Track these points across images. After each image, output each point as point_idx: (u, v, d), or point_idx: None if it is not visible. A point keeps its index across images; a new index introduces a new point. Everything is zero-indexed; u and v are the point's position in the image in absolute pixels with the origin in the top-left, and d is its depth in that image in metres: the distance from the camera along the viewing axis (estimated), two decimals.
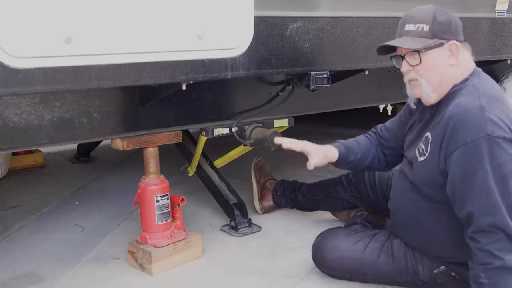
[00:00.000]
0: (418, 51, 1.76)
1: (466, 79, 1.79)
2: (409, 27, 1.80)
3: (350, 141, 2.20)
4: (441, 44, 1.76)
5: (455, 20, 1.80)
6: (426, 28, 1.76)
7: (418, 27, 1.77)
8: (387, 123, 2.21)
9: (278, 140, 2.22)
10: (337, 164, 2.16)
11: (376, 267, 1.97)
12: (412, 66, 1.80)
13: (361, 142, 2.19)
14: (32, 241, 2.46)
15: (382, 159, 2.18)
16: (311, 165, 2.08)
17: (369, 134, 2.23)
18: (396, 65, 1.89)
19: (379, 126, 2.23)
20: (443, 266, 1.88)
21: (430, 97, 1.82)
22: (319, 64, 2.31)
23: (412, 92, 1.87)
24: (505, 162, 1.60)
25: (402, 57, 1.82)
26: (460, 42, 1.79)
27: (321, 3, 2.26)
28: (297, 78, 2.49)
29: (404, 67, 1.82)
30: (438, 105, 1.83)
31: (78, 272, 2.17)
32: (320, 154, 2.10)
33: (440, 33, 1.76)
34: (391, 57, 1.90)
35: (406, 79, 1.86)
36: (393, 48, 1.87)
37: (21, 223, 2.67)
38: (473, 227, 1.63)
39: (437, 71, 1.78)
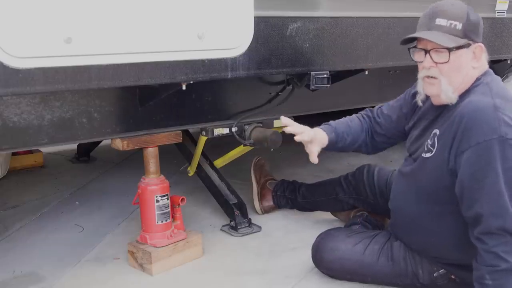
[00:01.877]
0: (449, 50, 1.69)
1: (479, 78, 1.76)
2: (441, 21, 1.72)
3: (342, 123, 2.13)
4: (468, 45, 1.72)
5: (481, 21, 1.76)
6: (459, 26, 1.70)
7: (451, 24, 1.70)
8: (385, 109, 2.14)
9: (284, 120, 2.05)
10: (324, 149, 2.10)
11: (376, 269, 1.97)
12: (436, 63, 1.73)
13: (352, 125, 2.13)
14: (32, 241, 2.46)
15: (369, 145, 2.15)
16: (315, 159, 2.00)
17: (363, 117, 2.17)
18: (413, 58, 1.81)
19: (376, 109, 2.17)
20: (442, 269, 1.88)
21: (450, 98, 1.75)
22: (319, 64, 2.31)
23: (426, 90, 1.80)
24: None
25: (426, 52, 1.74)
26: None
27: (321, 3, 2.26)
28: (297, 78, 2.49)
29: (427, 63, 1.74)
30: None
31: (78, 272, 2.17)
32: (318, 143, 2.04)
33: (470, 33, 1.72)
34: (409, 48, 1.82)
35: (422, 75, 1.79)
36: (413, 39, 1.79)
37: (21, 223, 2.67)
38: (480, 228, 1.62)
39: (460, 72, 1.73)
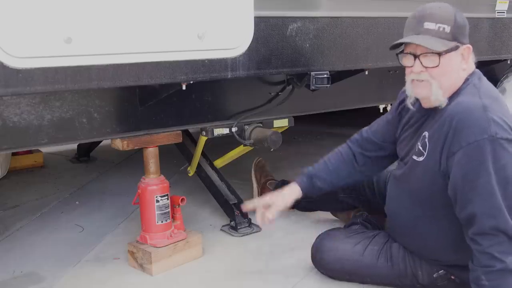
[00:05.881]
0: (439, 54, 1.68)
1: (467, 79, 1.76)
2: (429, 25, 1.69)
3: (319, 165, 2.12)
4: (456, 48, 1.71)
5: (467, 22, 1.75)
6: (448, 29, 1.68)
7: (440, 27, 1.68)
8: (373, 125, 2.13)
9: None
10: (306, 196, 2.12)
11: (375, 270, 1.97)
12: (426, 67, 1.70)
13: (331, 162, 2.12)
14: (32, 241, 2.46)
15: (364, 169, 2.11)
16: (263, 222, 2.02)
17: (347, 146, 2.14)
18: (401, 63, 1.79)
19: (364, 129, 2.15)
20: (442, 270, 1.87)
21: (441, 101, 1.73)
22: (319, 64, 2.31)
23: (415, 92, 1.77)
24: (508, 163, 1.59)
25: (415, 56, 1.71)
26: None
27: (321, 3, 2.26)
28: (297, 78, 2.49)
29: (417, 68, 1.71)
30: None
31: (78, 272, 2.17)
32: (280, 203, 2.05)
33: (458, 35, 1.70)
34: (397, 54, 1.81)
35: (411, 78, 1.76)
36: (401, 44, 1.77)
37: (21, 223, 2.67)
38: (474, 229, 1.62)
39: (451, 75, 1.72)
